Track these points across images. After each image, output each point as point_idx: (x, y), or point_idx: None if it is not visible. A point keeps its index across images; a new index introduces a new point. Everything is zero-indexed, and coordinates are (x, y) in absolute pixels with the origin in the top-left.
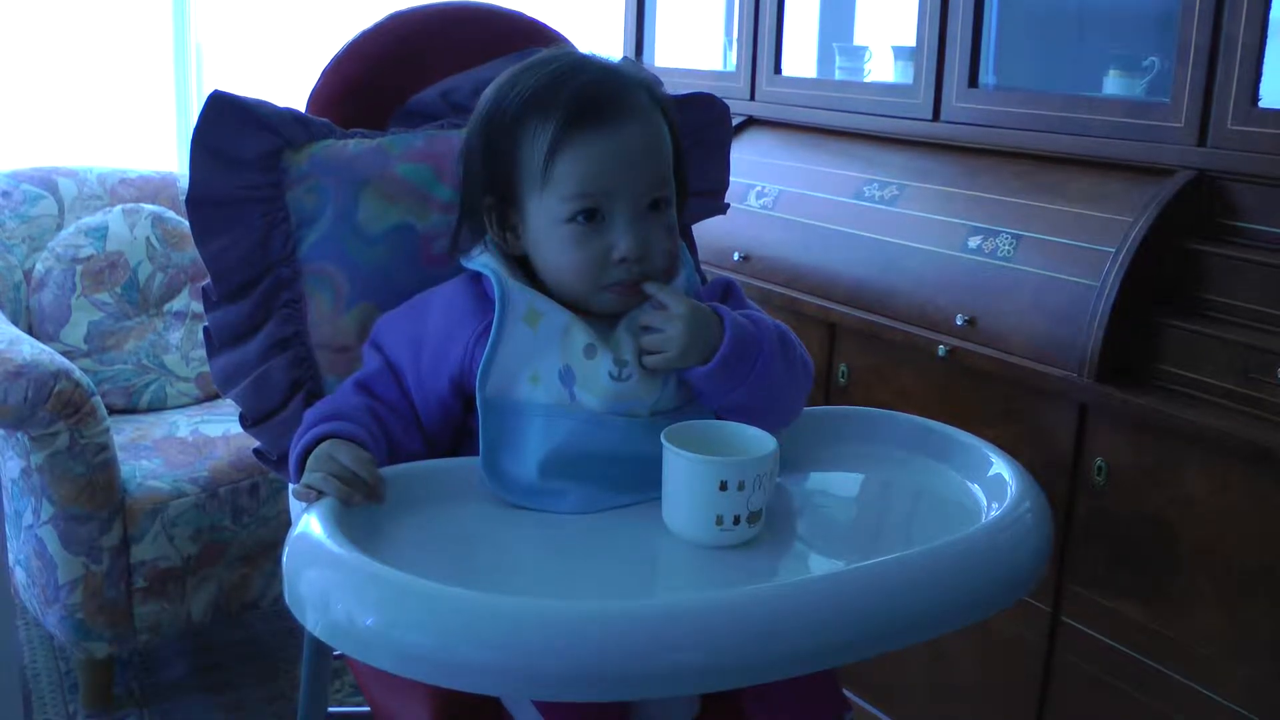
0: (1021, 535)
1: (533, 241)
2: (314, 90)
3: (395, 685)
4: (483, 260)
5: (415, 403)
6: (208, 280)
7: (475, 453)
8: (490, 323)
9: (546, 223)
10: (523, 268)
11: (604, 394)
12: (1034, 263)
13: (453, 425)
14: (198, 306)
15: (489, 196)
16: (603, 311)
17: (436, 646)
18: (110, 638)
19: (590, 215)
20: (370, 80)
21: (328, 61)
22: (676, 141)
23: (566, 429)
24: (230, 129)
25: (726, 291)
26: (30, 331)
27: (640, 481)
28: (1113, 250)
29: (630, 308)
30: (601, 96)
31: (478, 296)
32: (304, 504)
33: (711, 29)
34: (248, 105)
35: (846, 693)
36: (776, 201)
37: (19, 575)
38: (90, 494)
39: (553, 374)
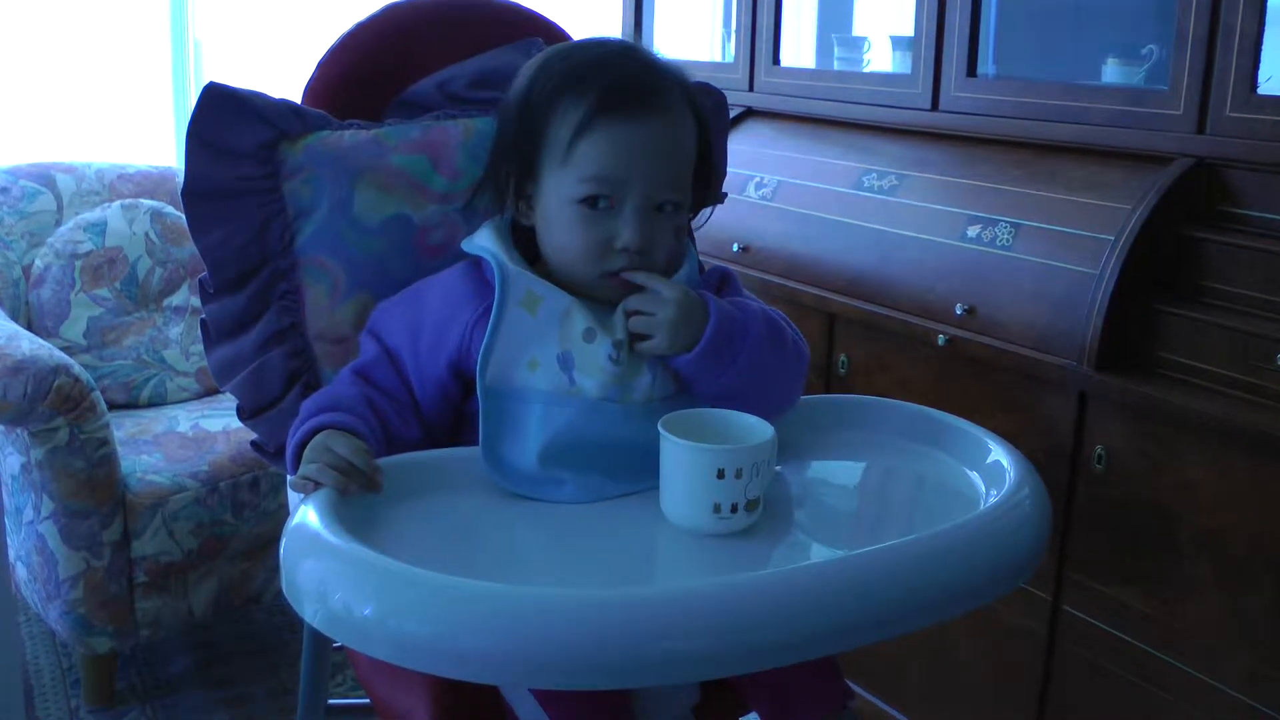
0: (1020, 521)
1: (542, 216)
2: (310, 81)
3: (395, 677)
4: (483, 245)
5: (414, 388)
6: (205, 273)
7: (475, 438)
8: (489, 306)
9: (559, 199)
10: (525, 250)
11: (603, 377)
12: (1033, 251)
13: (452, 410)
14: (197, 301)
15: (511, 163)
16: (602, 298)
17: (435, 636)
18: (112, 633)
19: (599, 201)
20: (366, 71)
21: (324, 53)
22: (705, 138)
23: (565, 416)
24: (226, 121)
25: (723, 281)
26: (30, 327)
27: (639, 470)
28: (1112, 238)
29: (622, 295)
30: (638, 88)
31: (477, 281)
32: (302, 495)
33: (710, 20)
34: (243, 97)
35: (847, 682)
36: (775, 192)
37: (20, 571)
38: (90, 489)
39: (551, 359)
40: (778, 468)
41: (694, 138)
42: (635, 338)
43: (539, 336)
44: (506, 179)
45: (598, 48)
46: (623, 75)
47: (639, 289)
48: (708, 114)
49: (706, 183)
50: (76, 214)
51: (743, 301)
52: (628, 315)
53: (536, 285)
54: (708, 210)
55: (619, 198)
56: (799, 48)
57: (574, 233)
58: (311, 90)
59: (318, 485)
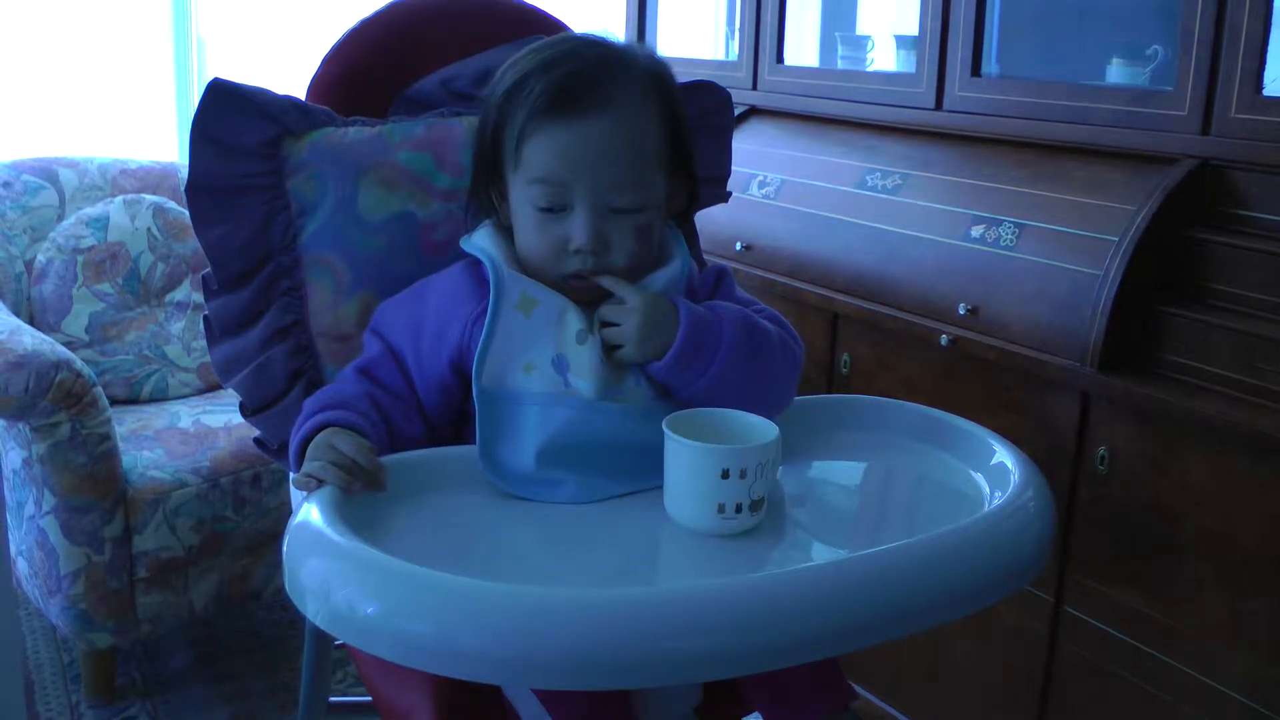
0: (1024, 523)
1: (511, 217)
2: (314, 78)
3: (397, 675)
4: (480, 245)
5: (416, 386)
6: (208, 269)
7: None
8: (488, 305)
9: (518, 202)
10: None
11: (597, 379)
12: (1037, 252)
13: (454, 408)
14: (199, 297)
15: (487, 167)
16: (573, 298)
17: (437, 634)
18: (112, 628)
19: (550, 204)
20: (371, 68)
21: (328, 49)
22: (679, 133)
23: (562, 417)
24: (230, 117)
25: (719, 279)
26: (31, 322)
27: (638, 470)
28: (1116, 239)
29: (596, 296)
30: (580, 87)
31: (477, 279)
32: (304, 493)
33: (713, 18)
34: (247, 93)
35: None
36: (779, 191)
37: (21, 566)
38: (92, 484)
39: (546, 362)
40: (781, 468)
41: (657, 130)
42: (610, 346)
43: (534, 340)
44: (486, 182)
45: (553, 47)
46: (566, 75)
47: (610, 292)
48: (685, 105)
49: (687, 174)
50: (79, 209)
51: (720, 306)
52: (601, 325)
53: (532, 288)
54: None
55: (568, 200)
56: (802, 46)
57: (533, 236)
58: (316, 86)
59: (321, 483)
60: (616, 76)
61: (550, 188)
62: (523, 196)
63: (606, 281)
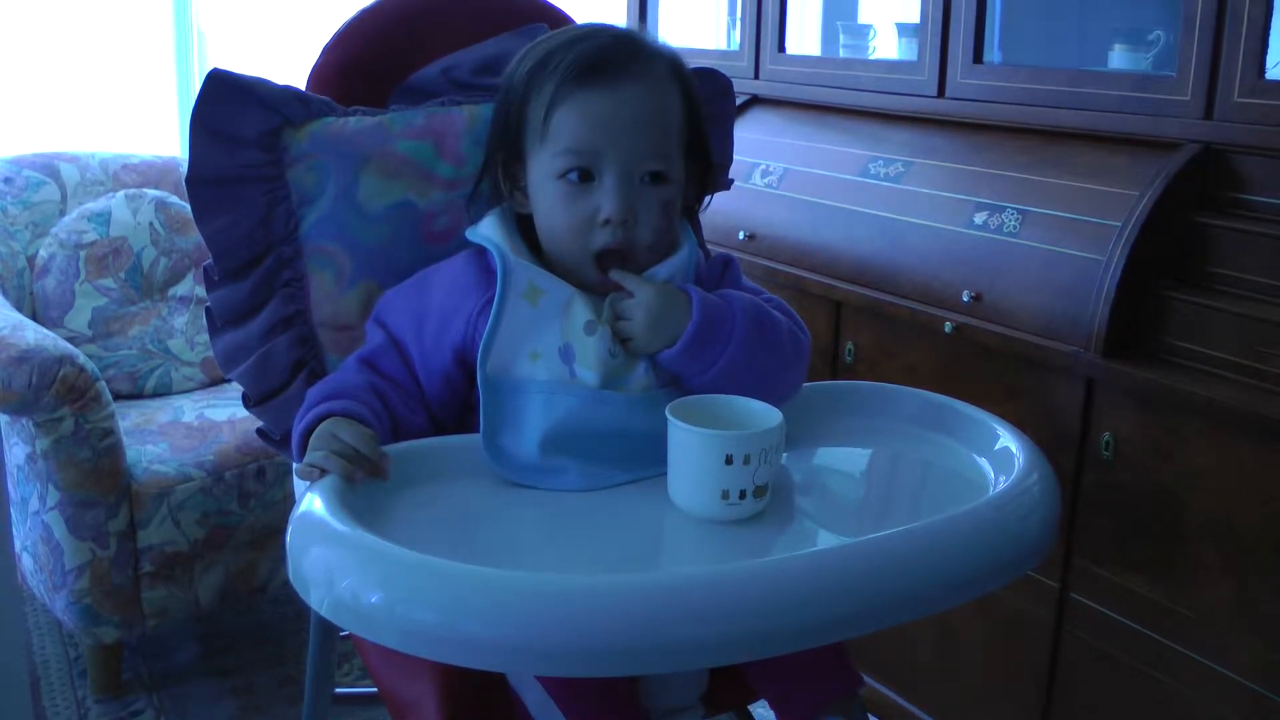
0: (1029, 507)
1: (532, 198)
2: (314, 68)
3: (402, 665)
4: (487, 234)
5: (419, 377)
6: (209, 260)
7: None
8: (493, 296)
9: (542, 178)
10: (529, 239)
11: (603, 369)
12: (1040, 238)
13: (457, 399)
14: (202, 291)
15: (501, 151)
16: (591, 287)
17: (442, 622)
18: (118, 623)
19: (580, 174)
20: (371, 57)
21: (328, 39)
22: (696, 119)
23: (566, 406)
24: (229, 107)
25: (725, 268)
26: (34, 317)
27: (642, 458)
28: (1119, 224)
29: (613, 284)
30: (610, 57)
31: (482, 270)
32: (308, 483)
33: (715, 7)
34: (247, 83)
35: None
36: (781, 180)
37: (26, 561)
38: (96, 479)
39: (553, 351)
40: (785, 454)
41: (679, 110)
42: (623, 338)
43: (540, 328)
44: (500, 166)
45: (575, 29)
46: (595, 47)
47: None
48: (700, 94)
49: (702, 165)
50: (80, 204)
51: (731, 294)
52: (614, 317)
53: (539, 277)
54: (708, 197)
55: (598, 170)
56: (804, 35)
57: (558, 210)
58: (316, 76)
59: (324, 473)
60: (640, 54)
61: (580, 156)
62: (548, 171)
63: (615, 275)
